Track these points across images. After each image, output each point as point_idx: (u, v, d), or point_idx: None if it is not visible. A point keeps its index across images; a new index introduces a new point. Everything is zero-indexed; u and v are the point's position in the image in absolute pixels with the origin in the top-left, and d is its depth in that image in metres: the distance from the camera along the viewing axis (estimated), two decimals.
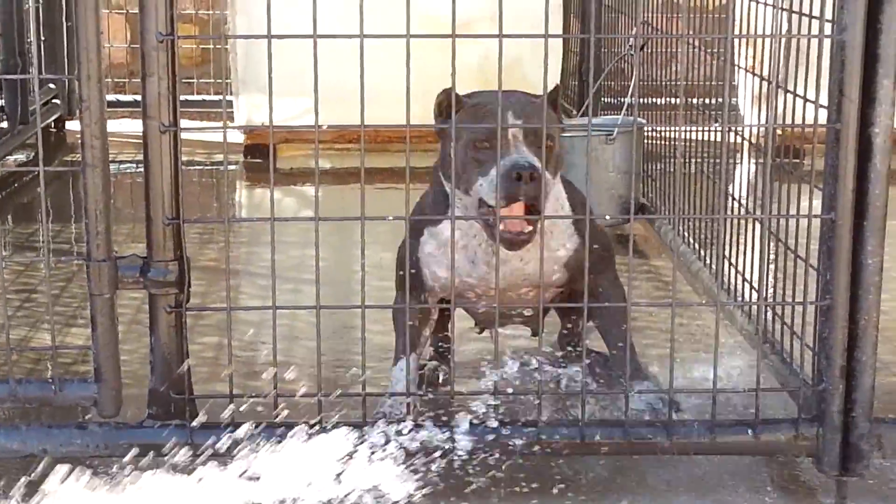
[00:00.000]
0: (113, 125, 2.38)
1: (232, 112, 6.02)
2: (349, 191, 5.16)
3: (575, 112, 5.72)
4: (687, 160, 3.91)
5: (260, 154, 5.91)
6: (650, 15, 4.69)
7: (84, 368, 3.18)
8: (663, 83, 4.50)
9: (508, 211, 2.62)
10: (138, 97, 2.36)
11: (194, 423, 2.49)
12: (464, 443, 2.46)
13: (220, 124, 2.59)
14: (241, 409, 2.52)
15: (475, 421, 2.49)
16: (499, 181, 2.58)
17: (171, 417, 2.51)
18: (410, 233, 2.80)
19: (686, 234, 3.97)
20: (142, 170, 2.43)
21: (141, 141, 2.41)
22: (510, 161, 2.61)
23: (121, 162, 5.57)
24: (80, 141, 2.35)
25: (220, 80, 6.80)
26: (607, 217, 4.38)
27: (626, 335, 2.69)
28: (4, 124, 5.71)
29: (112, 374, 2.48)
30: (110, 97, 6.72)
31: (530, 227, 2.63)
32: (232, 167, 5.88)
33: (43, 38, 6.26)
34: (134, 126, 2.61)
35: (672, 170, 4.27)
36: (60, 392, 2.51)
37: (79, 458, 2.68)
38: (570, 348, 3.11)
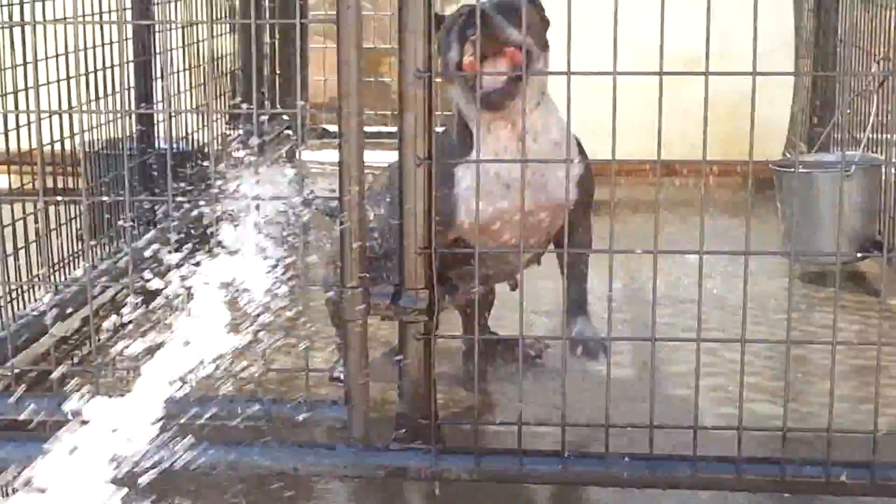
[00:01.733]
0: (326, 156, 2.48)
1: None
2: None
3: (806, 149, 5.63)
4: None
5: None
6: (888, 50, 4.60)
7: (323, 391, 3.29)
8: None
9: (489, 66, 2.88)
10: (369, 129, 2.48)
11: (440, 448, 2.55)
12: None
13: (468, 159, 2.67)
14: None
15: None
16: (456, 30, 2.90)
17: (416, 442, 2.58)
18: (439, 178, 2.75)
19: None
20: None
21: (373, 172, 2.51)
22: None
23: None
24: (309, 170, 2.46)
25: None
26: (858, 255, 4.30)
27: (584, 274, 3.11)
28: (241, 154, 5.91)
29: (362, 398, 2.56)
30: (331, 127, 6.97)
31: (504, 84, 2.88)
32: None
33: (278, 72, 6.49)
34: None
35: None
36: (312, 413, 2.60)
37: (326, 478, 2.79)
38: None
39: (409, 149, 2.44)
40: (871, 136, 4.43)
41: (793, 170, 4.38)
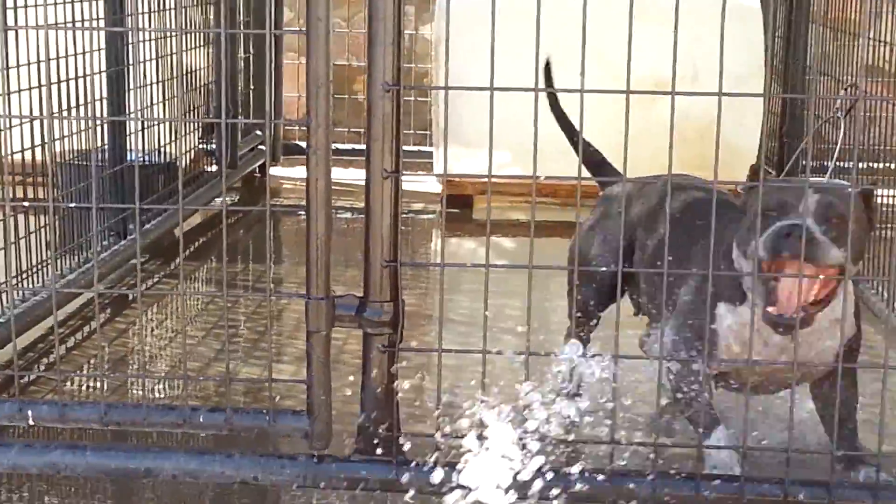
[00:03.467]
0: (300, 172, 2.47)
1: (431, 163, 6.17)
2: (542, 243, 5.20)
3: (774, 174, 5.68)
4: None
5: (456, 205, 6.00)
6: (853, 78, 4.65)
7: (288, 403, 3.29)
8: (868, 147, 4.46)
9: (784, 290, 2.65)
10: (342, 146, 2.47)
11: (400, 460, 2.56)
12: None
13: (428, 174, 2.68)
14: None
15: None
16: (769, 236, 2.63)
17: (378, 454, 2.59)
18: (706, 299, 2.64)
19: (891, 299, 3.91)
20: (346, 216, 2.52)
21: (343, 189, 2.51)
22: (788, 220, 2.64)
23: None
24: (282, 186, 2.47)
25: (420, 132, 6.96)
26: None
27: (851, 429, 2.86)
28: (214, 168, 5.94)
29: (324, 409, 2.57)
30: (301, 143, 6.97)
31: (802, 314, 2.63)
32: (429, 216, 6.00)
33: (252, 87, 6.51)
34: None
35: (875, 234, 4.21)
36: (274, 423, 2.61)
37: (286, 488, 2.80)
38: None
39: (376, 162, 2.45)
40: (837, 163, 4.47)
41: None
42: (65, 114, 3.96)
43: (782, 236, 2.62)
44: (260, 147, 6.63)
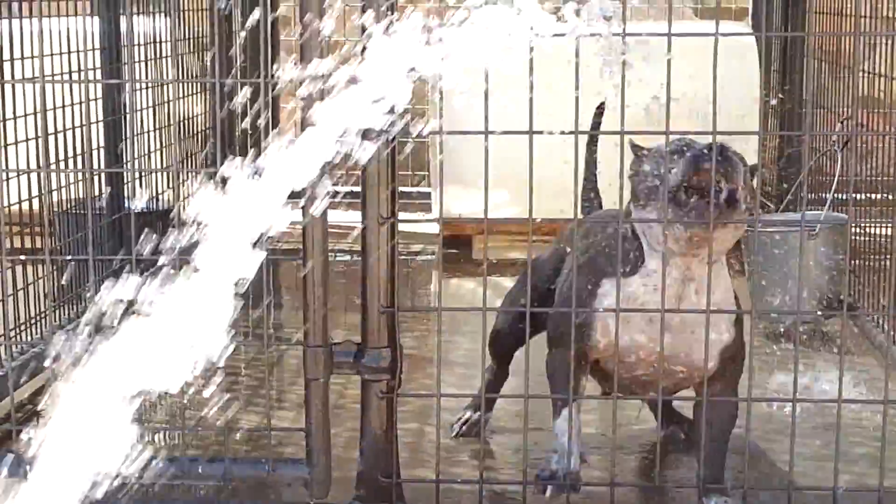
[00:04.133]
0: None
1: (430, 203, 6.16)
2: None
3: (772, 207, 5.68)
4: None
5: (456, 245, 5.97)
6: (850, 110, 4.65)
7: (288, 451, 3.28)
8: (865, 178, 4.45)
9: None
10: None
11: None
12: None
13: (427, 215, 2.68)
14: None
15: None
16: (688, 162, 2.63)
17: (378, 500, 2.57)
18: (582, 280, 2.76)
19: (892, 331, 3.89)
20: (345, 259, 2.52)
21: (341, 231, 2.52)
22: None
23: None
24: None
25: (418, 173, 6.95)
26: (819, 313, 4.32)
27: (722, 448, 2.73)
28: None
29: (324, 456, 2.56)
30: None
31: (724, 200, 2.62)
32: (428, 257, 5.99)
33: (249, 132, 6.50)
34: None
35: (874, 265, 4.21)
36: (273, 472, 2.60)
37: None
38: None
39: (372, 207, 2.45)
40: (836, 195, 4.47)
41: (757, 229, 4.40)
42: (61, 165, 3.96)
43: (699, 156, 2.63)
44: None
